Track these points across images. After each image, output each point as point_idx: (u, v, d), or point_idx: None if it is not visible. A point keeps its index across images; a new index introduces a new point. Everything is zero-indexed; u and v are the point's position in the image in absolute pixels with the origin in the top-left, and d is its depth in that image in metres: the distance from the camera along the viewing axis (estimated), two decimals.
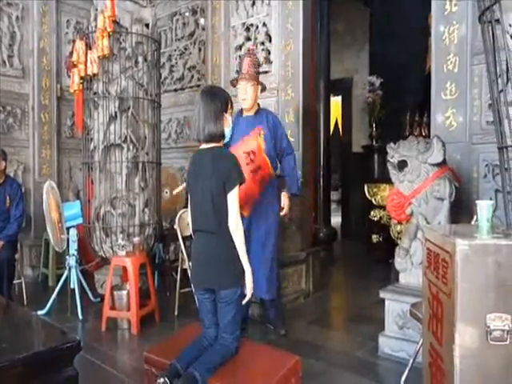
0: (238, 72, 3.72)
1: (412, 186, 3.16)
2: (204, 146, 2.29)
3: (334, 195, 9.71)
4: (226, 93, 2.39)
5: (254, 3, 5.19)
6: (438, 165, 3.07)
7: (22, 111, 5.72)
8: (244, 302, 2.28)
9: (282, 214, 3.64)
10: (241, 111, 3.66)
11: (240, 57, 3.77)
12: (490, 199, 3.23)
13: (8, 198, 4.39)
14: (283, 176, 3.72)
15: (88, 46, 4.18)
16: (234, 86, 3.67)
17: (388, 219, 5.56)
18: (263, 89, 3.71)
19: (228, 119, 2.29)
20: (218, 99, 2.25)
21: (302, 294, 4.59)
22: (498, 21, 2.36)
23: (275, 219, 3.62)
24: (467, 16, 3.48)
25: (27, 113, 5.75)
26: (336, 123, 9.57)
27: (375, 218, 6.17)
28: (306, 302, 4.57)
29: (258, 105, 3.70)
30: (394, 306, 3.19)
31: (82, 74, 4.14)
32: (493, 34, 2.35)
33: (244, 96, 3.55)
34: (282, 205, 3.62)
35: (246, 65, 3.55)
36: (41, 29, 5.76)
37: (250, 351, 2.34)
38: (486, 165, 3.41)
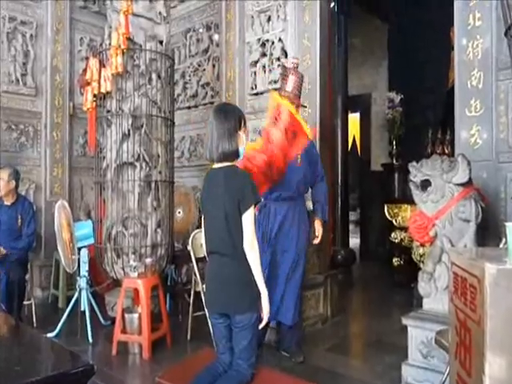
0: (279, 83, 3.56)
1: (436, 207, 3.06)
2: (217, 165, 2.23)
3: (353, 215, 9.39)
4: (240, 110, 2.34)
5: (269, 19, 5.14)
6: (463, 184, 2.97)
7: (34, 129, 5.70)
8: (261, 326, 2.20)
9: (315, 242, 3.57)
10: None
11: (280, 66, 3.58)
12: None
13: (20, 217, 4.41)
14: (314, 202, 3.63)
15: (101, 64, 4.16)
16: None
17: (410, 241, 5.39)
18: (297, 106, 3.57)
19: (242, 137, 2.23)
20: (231, 117, 2.20)
21: (320, 319, 4.43)
22: None
23: (305, 244, 3.52)
24: (491, 30, 3.38)
25: (39, 131, 5.73)
26: (354, 140, 9.44)
27: (396, 240, 6.00)
28: (324, 328, 4.41)
29: None
30: (418, 334, 3.05)
31: (96, 92, 4.12)
32: None
33: None
34: (316, 233, 3.55)
35: (292, 83, 3.43)
36: (54, 47, 5.77)
37: (267, 378, 2.27)
38: None
